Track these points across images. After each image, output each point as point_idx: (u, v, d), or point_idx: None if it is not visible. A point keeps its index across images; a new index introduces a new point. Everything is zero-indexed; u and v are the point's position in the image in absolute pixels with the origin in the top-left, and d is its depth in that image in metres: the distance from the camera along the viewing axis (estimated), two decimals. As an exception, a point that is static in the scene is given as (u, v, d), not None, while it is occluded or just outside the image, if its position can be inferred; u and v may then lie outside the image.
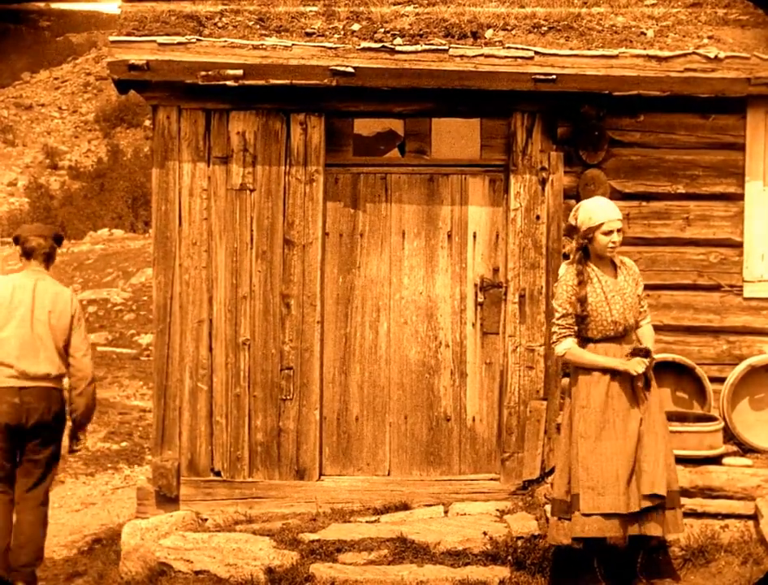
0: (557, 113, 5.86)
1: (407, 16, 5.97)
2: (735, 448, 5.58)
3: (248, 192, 5.88)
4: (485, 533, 5.13)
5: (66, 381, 5.20)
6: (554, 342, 4.63)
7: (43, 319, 5.03)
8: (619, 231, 4.53)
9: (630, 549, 4.65)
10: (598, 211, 4.55)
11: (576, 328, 4.55)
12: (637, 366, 4.43)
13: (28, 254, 5.19)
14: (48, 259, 5.23)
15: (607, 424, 4.44)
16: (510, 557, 4.94)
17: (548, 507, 4.96)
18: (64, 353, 5.08)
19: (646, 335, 4.68)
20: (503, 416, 5.95)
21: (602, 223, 4.51)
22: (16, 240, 5.26)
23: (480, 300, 6.02)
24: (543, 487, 5.64)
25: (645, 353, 4.48)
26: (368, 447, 6.05)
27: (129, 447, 9.12)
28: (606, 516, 4.36)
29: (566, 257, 5.85)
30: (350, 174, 6.02)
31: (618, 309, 4.52)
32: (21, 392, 4.92)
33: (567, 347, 4.54)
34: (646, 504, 4.36)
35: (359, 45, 5.69)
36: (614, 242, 4.52)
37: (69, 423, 5.21)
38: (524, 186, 5.89)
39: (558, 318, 4.58)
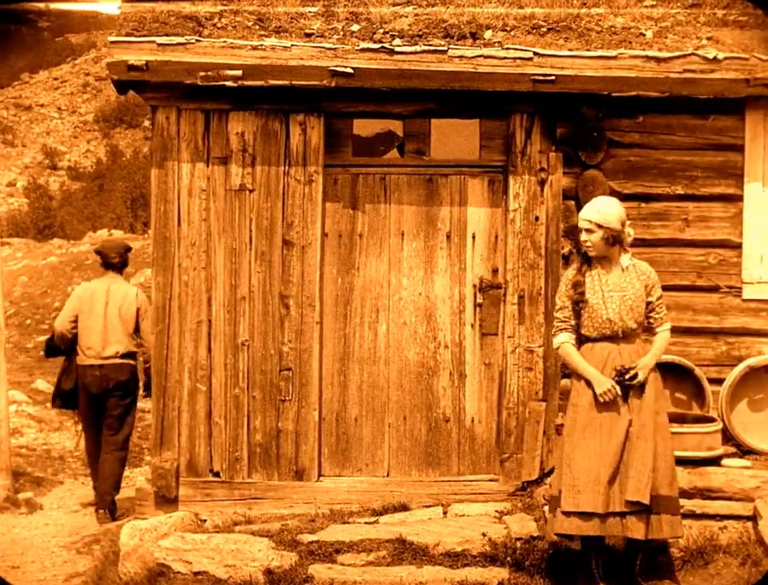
0: (556, 114, 5.86)
1: (407, 17, 5.97)
2: (733, 450, 5.58)
3: (247, 192, 5.88)
4: (483, 534, 5.13)
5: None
6: (553, 334, 4.69)
7: (114, 312, 6.66)
8: (588, 231, 4.48)
9: (628, 550, 4.65)
10: (583, 210, 4.59)
11: (573, 322, 4.56)
12: (604, 385, 4.39)
13: (107, 266, 6.84)
14: (122, 268, 6.89)
15: (593, 423, 4.43)
16: (509, 558, 4.93)
17: (546, 507, 4.96)
18: (133, 336, 6.74)
19: (656, 343, 4.60)
20: (502, 417, 5.95)
21: (578, 222, 4.59)
22: (98, 253, 6.97)
23: (479, 301, 6.01)
24: (542, 488, 5.64)
25: (624, 375, 4.40)
26: (367, 448, 6.05)
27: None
28: (585, 514, 4.34)
29: (564, 257, 5.86)
30: (349, 174, 6.01)
31: (613, 308, 4.49)
32: (101, 368, 6.62)
33: (561, 341, 4.59)
34: (628, 509, 4.33)
35: (358, 45, 5.69)
36: (584, 241, 4.53)
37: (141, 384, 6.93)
38: (523, 187, 5.89)
39: (556, 311, 4.65)
